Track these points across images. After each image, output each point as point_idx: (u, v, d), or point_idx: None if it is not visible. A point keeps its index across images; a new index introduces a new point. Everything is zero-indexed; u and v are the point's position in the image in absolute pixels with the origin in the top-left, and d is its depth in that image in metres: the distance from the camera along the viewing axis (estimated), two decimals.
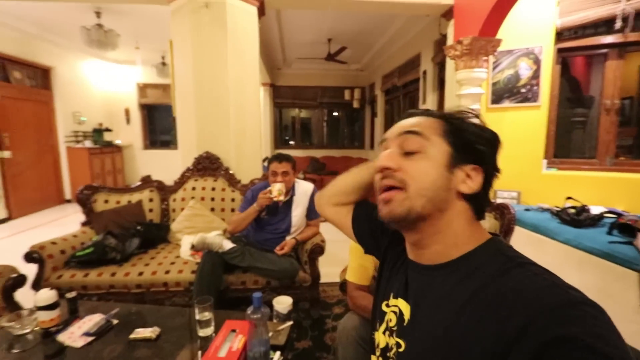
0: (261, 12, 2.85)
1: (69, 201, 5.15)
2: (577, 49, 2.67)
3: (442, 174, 0.49)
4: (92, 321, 1.18)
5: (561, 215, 2.27)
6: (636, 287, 1.64)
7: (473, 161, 0.50)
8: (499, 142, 0.52)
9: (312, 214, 2.02)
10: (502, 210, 1.64)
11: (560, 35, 2.64)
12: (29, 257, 1.74)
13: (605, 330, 0.34)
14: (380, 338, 0.57)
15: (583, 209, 2.25)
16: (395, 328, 0.52)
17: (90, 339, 1.11)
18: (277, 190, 1.80)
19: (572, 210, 2.28)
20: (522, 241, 2.25)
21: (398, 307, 0.53)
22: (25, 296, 1.53)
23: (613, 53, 2.54)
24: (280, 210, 1.96)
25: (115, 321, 1.21)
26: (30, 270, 1.71)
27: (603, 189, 2.56)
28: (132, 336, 1.12)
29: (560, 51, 2.68)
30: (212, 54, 2.50)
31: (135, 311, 1.37)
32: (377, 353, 0.57)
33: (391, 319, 0.54)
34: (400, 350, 0.49)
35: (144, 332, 1.13)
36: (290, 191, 1.95)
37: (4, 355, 1.07)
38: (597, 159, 2.72)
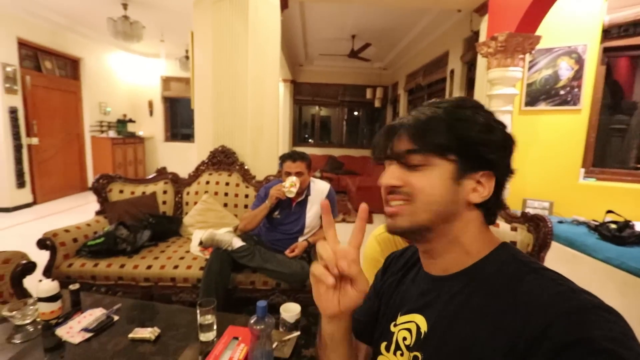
0: (284, 5, 2.77)
1: (91, 189, 5.28)
2: (626, 48, 2.43)
3: (450, 187, 0.47)
4: (92, 316, 1.14)
5: (601, 230, 2.07)
6: None
7: (483, 167, 0.47)
8: (513, 143, 0.49)
9: None
10: (537, 223, 1.48)
11: (608, 33, 2.41)
12: (42, 243, 1.74)
13: (623, 334, 0.34)
14: None
15: (626, 225, 2.04)
16: (411, 344, 0.50)
17: (88, 335, 1.06)
18: (289, 182, 1.71)
19: (614, 226, 2.07)
20: (555, 256, 2.05)
21: (414, 322, 0.51)
22: (36, 283, 1.52)
23: None
24: (293, 211, 1.87)
25: (116, 317, 1.17)
26: (43, 257, 1.71)
27: None
28: (131, 335, 1.07)
29: (606, 51, 2.45)
30: (232, 47, 2.45)
31: (138, 307, 1.32)
32: None
33: (405, 337, 0.52)
34: None
35: (143, 332, 1.07)
36: (304, 191, 1.86)
37: (3, 346, 1.04)
38: None
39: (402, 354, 0.51)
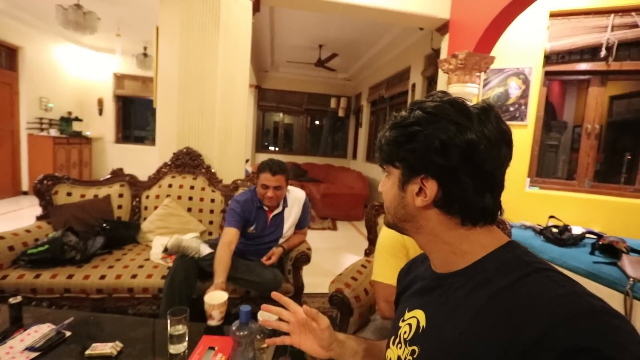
0: (256, 7, 2.74)
1: (25, 193, 4.71)
2: (563, 73, 2.76)
3: (396, 193, 0.51)
4: (38, 333, 0.99)
5: (545, 233, 2.29)
6: (621, 308, 1.64)
7: (422, 172, 0.47)
8: (460, 141, 0.45)
9: (302, 223, 1.87)
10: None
11: (548, 58, 2.72)
12: None
13: (629, 341, 0.32)
14: (393, 353, 0.55)
15: (565, 228, 2.28)
16: (409, 337, 0.51)
17: (33, 355, 0.92)
18: (215, 311, 1.13)
19: (555, 230, 2.31)
20: None
21: (415, 317, 0.52)
22: None
23: (596, 79, 2.64)
24: (270, 224, 1.76)
25: (68, 333, 1.03)
26: None
27: (581, 209, 2.63)
28: (88, 352, 0.95)
29: (547, 74, 2.76)
30: (201, 45, 2.35)
31: (92, 321, 1.19)
32: None
33: (405, 330, 0.53)
34: (415, 356, 0.49)
35: (103, 347, 0.96)
36: (281, 203, 1.76)
37: None
38: (576, 181, 2.80)
39: (400, 347, 0.53)
